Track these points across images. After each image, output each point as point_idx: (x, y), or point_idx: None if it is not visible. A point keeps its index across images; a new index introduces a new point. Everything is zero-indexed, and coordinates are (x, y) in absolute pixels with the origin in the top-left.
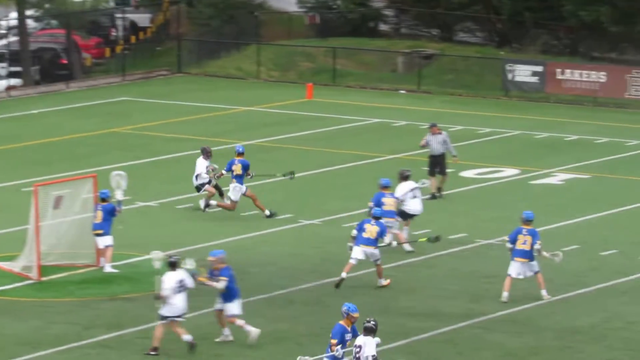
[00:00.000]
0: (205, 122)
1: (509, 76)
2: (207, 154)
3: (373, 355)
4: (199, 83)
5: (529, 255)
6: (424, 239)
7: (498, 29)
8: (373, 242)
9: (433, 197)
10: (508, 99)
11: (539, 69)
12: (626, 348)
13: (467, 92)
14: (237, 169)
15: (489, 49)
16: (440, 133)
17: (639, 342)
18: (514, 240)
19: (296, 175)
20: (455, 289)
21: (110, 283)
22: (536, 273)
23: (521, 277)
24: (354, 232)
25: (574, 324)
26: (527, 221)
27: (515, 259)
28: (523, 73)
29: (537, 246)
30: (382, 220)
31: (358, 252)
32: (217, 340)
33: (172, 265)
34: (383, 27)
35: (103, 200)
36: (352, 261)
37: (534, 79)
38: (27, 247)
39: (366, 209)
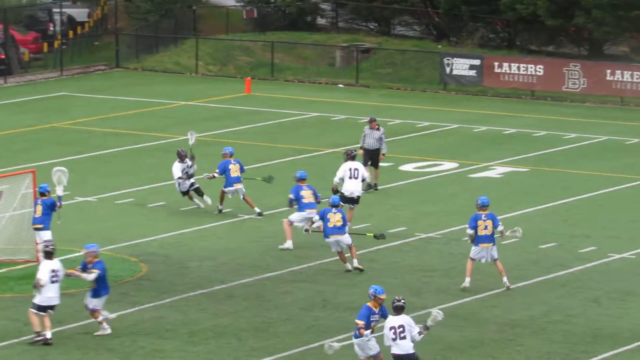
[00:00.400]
0: (144, 117)
1: (447, 70)
2: (182, 157)
3: (419, 332)
4: (137, 78)
5: (491, 239)
6: (371, 234)
7: (435, 22)
8: (341, 229)
9: (369, 187)
10: (446, 92)
11: (477, 62)
12: (565, 341)
13: (405, 86)
14: (236, 169)
15: (426, 42)
16: (378, 129)
17: (578, 334)
18: (474, 227)
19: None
20: (395, 282)
21: None
22: (495, 260)
23: (483, 261)
24: (316, 217)
25: (514, 317)
26: (484, 206)
27: (480, 245)
28: (461, 67)
29: (500, 227)
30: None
31: (333, 244)
32: (97, 334)
33: (48, 254)
34: (321, 21)
35: (42, 194)
36: (336, 250)
37: (472, 73)
38: None
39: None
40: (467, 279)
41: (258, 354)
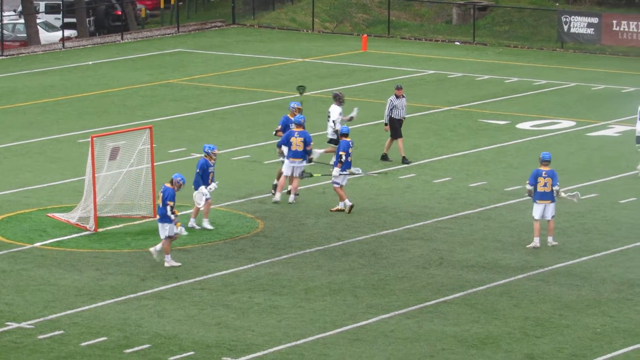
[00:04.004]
0: (259, 74)
1: (564, 28)
2: (339, 100)
3: None
4: (253, 34)
5: (549, 197)
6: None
7: None
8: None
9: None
10: (563, 50)
11: (595, 20)
12: None
13: (522, 44)
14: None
15: (544, 0)
16: (403, 97)
17: None
18: (533, 184)
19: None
20: (512, 240)
21: None
22: (552, 217)
23: (542, 218)
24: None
25: (631, 276)
26: (545, 162)
27: (538, 201)
28: (578, 25)
29: (556, 187)
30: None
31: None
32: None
33: None
34: None
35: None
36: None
37: (590, 31)
38: (83, 199)
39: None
40: (536, 239)
41: (374, 311)
